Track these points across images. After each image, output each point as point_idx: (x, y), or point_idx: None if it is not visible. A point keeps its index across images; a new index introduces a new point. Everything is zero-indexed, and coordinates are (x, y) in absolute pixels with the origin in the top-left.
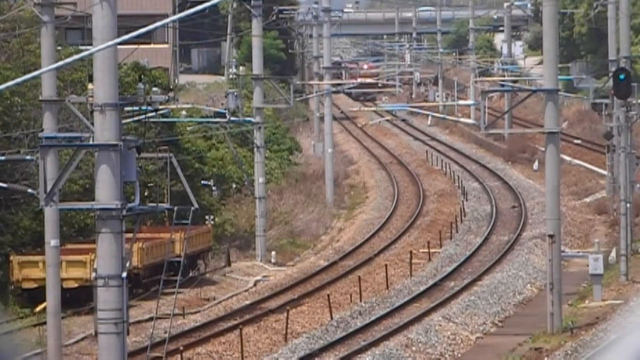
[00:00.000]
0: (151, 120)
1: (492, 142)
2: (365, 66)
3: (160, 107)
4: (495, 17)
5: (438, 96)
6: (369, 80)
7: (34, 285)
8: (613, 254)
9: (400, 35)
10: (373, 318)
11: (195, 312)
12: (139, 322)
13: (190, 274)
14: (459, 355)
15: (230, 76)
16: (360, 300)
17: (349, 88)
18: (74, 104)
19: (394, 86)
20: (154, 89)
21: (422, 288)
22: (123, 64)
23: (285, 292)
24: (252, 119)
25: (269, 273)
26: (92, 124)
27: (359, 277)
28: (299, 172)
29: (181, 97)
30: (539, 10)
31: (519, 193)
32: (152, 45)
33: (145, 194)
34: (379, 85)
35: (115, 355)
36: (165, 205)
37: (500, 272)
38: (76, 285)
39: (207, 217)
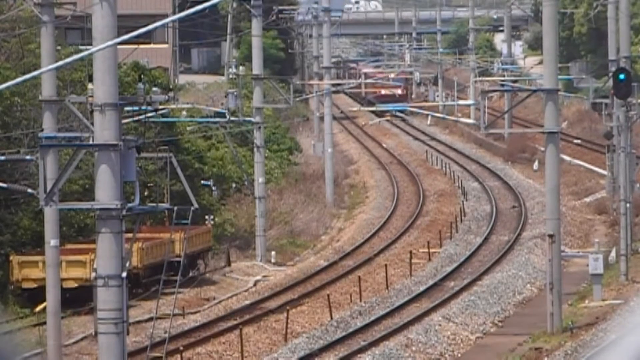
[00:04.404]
0: (151, 120)
1: (492, 142)
2: (392, 75)
3: (160, 107)
4: (495, 17)
5: (438, 96)
6: (398, 92)
7: (34, 285)
8: (613, 253)
9: (400, 35)
10: (373, 318)
11: (195, 312)
12: (139, 322)
13: (190, 274)
14: (459, 355)
15: (230, 76)
16: (360, 300)
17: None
18: (74, 104)
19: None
20: (154, 89)
21: (422, 288)
22: (123, 64)
23: (285, 292)
24: (252, 119)
25: (268, 273)
26: (92, 124)
27: (359, 277)
28: (298, 172)
29: (181, 97)
30: (539, 10)
31: (519, 193)
32: (152, 45)
33: (145, 194)
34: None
35: (115, 355)
36: (165, 205)
37: (500, 272)
38: (76, 285)
39: (207, 217)
